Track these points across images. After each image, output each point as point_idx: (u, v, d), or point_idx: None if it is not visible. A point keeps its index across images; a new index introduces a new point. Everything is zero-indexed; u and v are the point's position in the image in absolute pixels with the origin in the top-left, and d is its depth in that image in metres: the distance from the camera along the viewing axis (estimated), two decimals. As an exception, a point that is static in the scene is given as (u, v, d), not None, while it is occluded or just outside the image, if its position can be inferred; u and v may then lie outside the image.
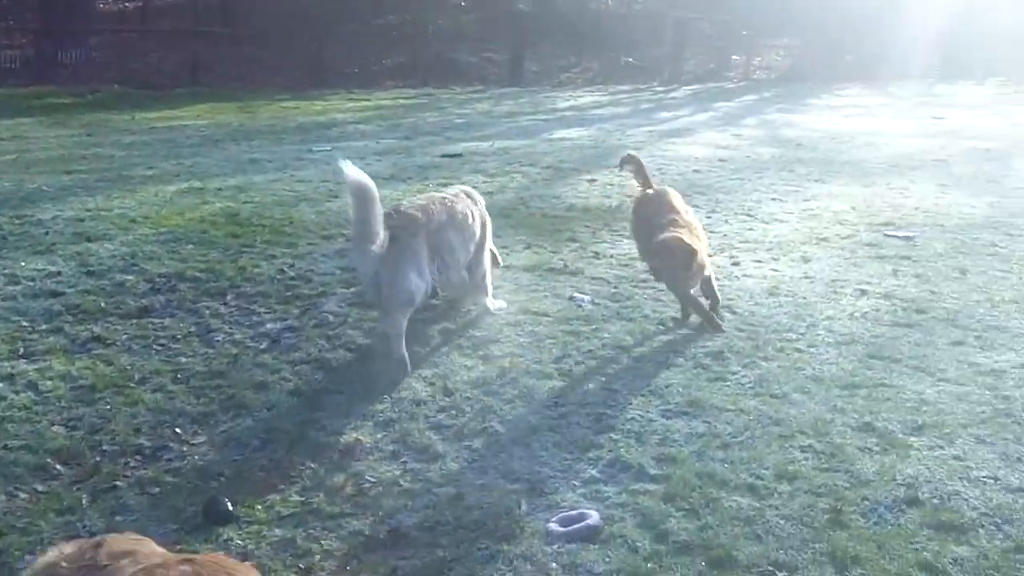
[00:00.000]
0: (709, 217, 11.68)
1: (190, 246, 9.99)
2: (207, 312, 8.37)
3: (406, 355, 7.28)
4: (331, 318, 8.24)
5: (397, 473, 5.98)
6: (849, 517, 5.28)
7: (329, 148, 16.79)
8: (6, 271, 9.07)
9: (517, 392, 6.88)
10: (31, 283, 8.82)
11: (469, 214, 8.00)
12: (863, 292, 8.91)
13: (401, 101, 26.22)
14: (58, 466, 6.07)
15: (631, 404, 6.69)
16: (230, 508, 5.67)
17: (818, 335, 7.86)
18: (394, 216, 7.50)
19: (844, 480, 5.66)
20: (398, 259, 7.30)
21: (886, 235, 11.01)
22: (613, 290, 8.87)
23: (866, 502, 5.42)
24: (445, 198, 7.97)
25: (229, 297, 8.70)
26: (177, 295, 8.71)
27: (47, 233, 10.30)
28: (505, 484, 5.78)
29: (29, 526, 5.43)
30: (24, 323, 8.03)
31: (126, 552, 3.41)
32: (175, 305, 8.52)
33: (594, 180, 14.03)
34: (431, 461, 6.10)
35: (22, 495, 5.67)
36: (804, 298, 8.76)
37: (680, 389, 6.85)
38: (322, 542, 5.38)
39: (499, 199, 12.57)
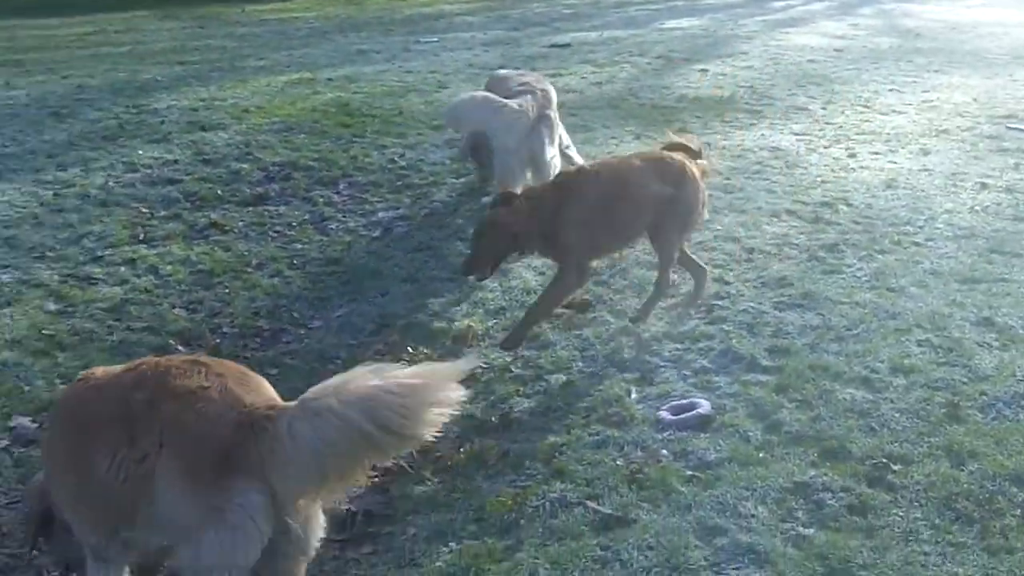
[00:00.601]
0: (824, 108, 11.42)
1: (302, 135, 10.08)
2: (321, 200, 8.48)
3: None
4: (441, 207, 8.30)
5: (508, 360, 6.05)
6: (966, 412, 5.18)
7: (436, 39, 16.71)
8: (125, 159, 9.26)
9: (627, 283, 6.87)
10: (149, 171, 9.00)
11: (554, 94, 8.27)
12: (984, 185, 8.66)
13: (508, -9, 25.91)
14: (180, 347, 6.26)
15: (743, 296, 6.63)
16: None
17: (937, 228, 7.67)
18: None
19: (961, 375, 5.55)
20: (547, 132, 7.73)
21: (1008, 128, 10.65)
22: (725, 181, 8.73)
23: (984, 397, 5.32)
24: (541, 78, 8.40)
25: (342, 186, 8.80)
26: (291, 183, 8.82)
27: (163, 122, 10.47)
28: (616, 372, 5.80)
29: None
30: (143, 209, 8.22)
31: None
32: (289, 193, 8.64)
33: (705, 70, 13.76)
34: (542, 349, 6.15)
35: (147, 374, 5.85)
36: (923, 191, 8.54)
37: (794, 281, 6.75)
38: (433, 426, 5.48)
39: (608, 89, 12.43)
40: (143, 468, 3.39)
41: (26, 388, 5.80)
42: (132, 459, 3.41)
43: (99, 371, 3.88)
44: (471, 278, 6.33)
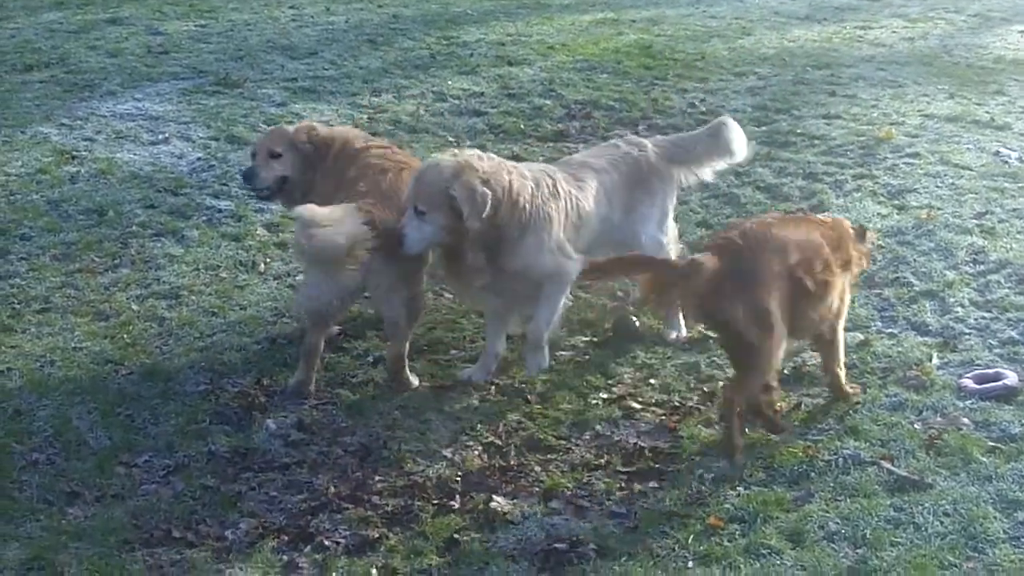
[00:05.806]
0: None
1: (604, 75, 10.17)
2: (620, 141, 8.56)
3: None
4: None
5: (804, 313, 5.97)
6: None
7: (742, -16, 16.42)
8: (435, 88, 9.61)
9: (933, 245, 6.63)
10: (457, 101, 9.32)
11: None
12: None
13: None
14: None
15: (1059, 268, 6.29)
16: (637, 326, 5.91)
17: None
18: None
19: None
20: None
21: None
22: (1046, 150, 8.29)
23: None
24: None
25: (641, 127, 8.84)
26: (591, 122, 8.96)
27: (471, 55, 10.78)
28: (916, 336, 5.66)
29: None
30: (450, 138, 8.52)
31: None
32: (589, 131, 8.78)
33: (1026, 32, 12.99)
34: (839, 305, 6.04)
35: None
36: None
37: (1118, 258, 6.34)
38: (726, 370, 5.49)
39: (920, 45, 11.94)
40: None
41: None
42: None
43: None
44: None
